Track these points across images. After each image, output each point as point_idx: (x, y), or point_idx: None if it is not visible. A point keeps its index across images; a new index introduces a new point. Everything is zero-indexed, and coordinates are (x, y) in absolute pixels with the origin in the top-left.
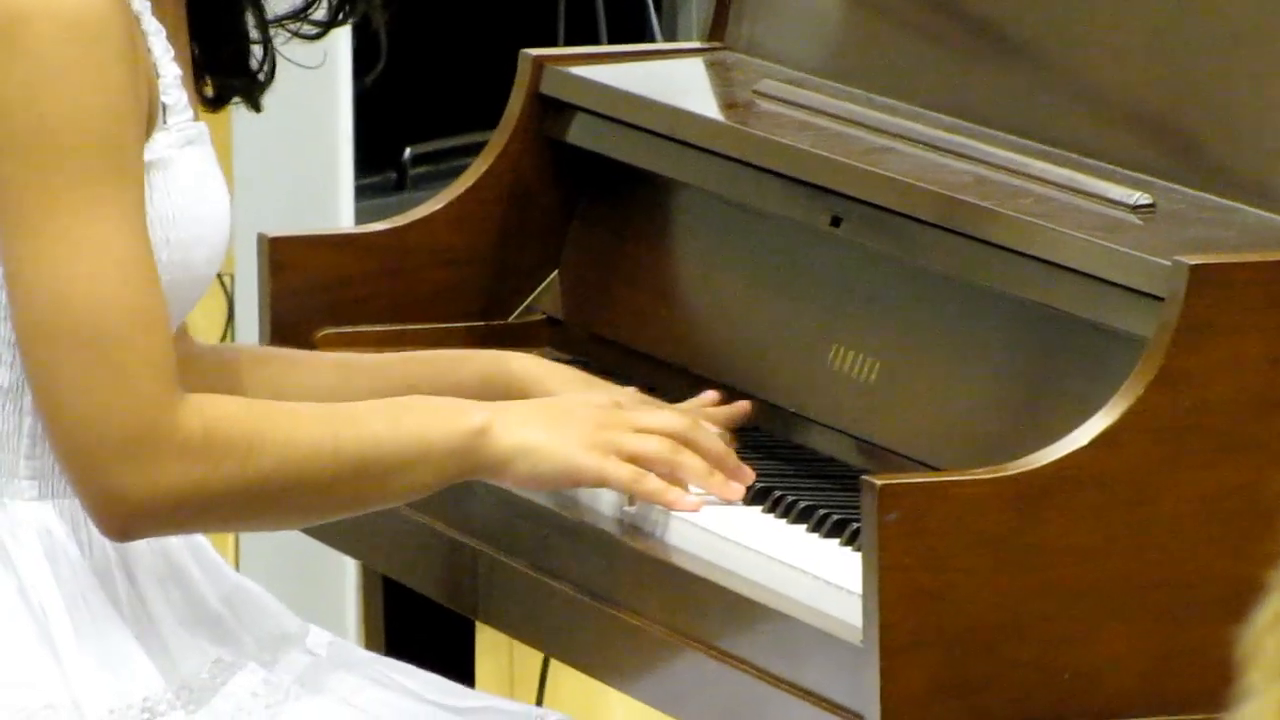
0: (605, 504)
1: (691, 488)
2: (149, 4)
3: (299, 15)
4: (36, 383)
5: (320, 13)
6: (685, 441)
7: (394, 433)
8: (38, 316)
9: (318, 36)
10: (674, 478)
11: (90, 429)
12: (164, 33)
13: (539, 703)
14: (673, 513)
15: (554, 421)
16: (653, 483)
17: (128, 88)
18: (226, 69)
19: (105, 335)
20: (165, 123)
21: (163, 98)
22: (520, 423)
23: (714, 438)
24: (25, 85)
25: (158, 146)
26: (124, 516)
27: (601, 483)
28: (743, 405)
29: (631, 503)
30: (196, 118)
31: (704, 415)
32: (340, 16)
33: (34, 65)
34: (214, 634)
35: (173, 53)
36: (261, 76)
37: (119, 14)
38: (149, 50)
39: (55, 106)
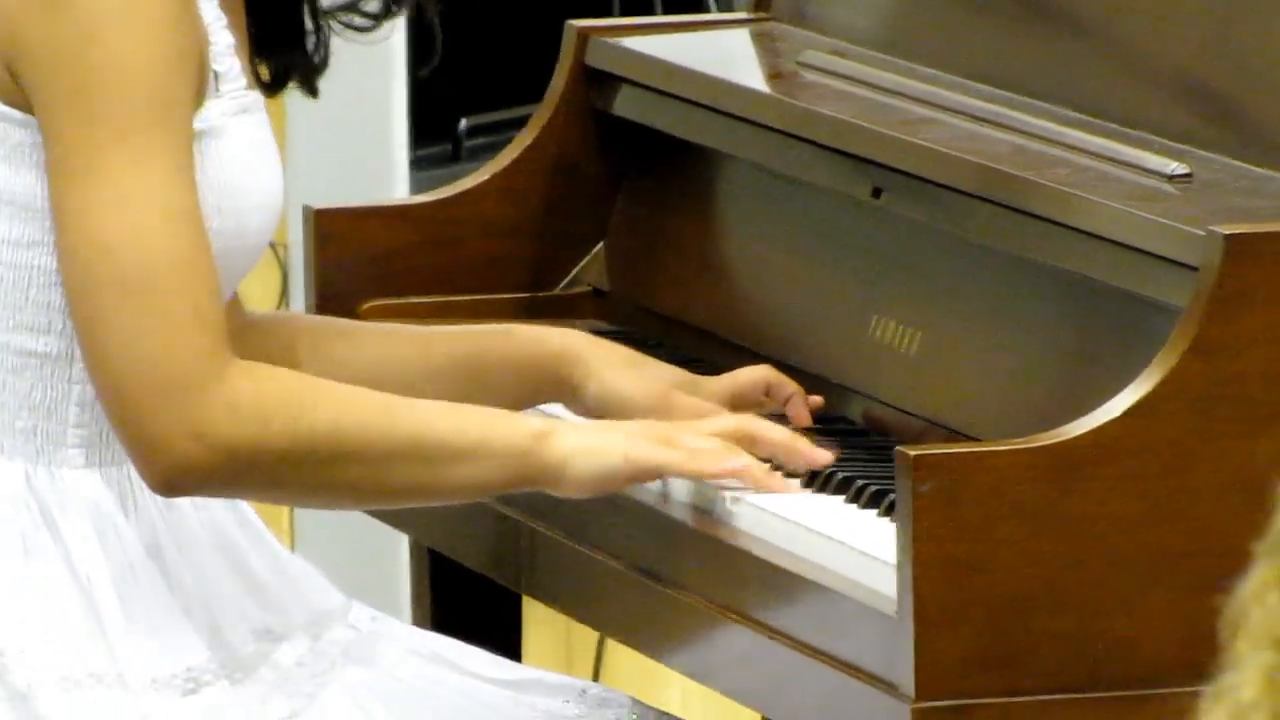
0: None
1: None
2: None
3: (351, 6)
4: (84, 333)
5: (372, 5)
6: (748, 434)
7: (453, 422)
8: (84, 267)
9: (369, 29)
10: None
11: (137, 376)
12: (215, 1)
13: (595, 677)
14: (711, 484)
15: (613, 428)
16: (708, 459)
17: (176, 44)
18: (281, 50)
19: (152, 284)
20: (218, 90)
21: (214, 65)
22: (580, 430)
23: (775, 426)
24: (74, 39)
25: (210, 114)
26: (168, 467)
27: (662, 471)
28: (814, 400)
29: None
30: (249, 87)
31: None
32: (392, 9)
33: (83, 19)
34: (260, 604)
35: (225, 20)
36: (316, 60)
37: None
38: (200, 16)
39: (103, 60)
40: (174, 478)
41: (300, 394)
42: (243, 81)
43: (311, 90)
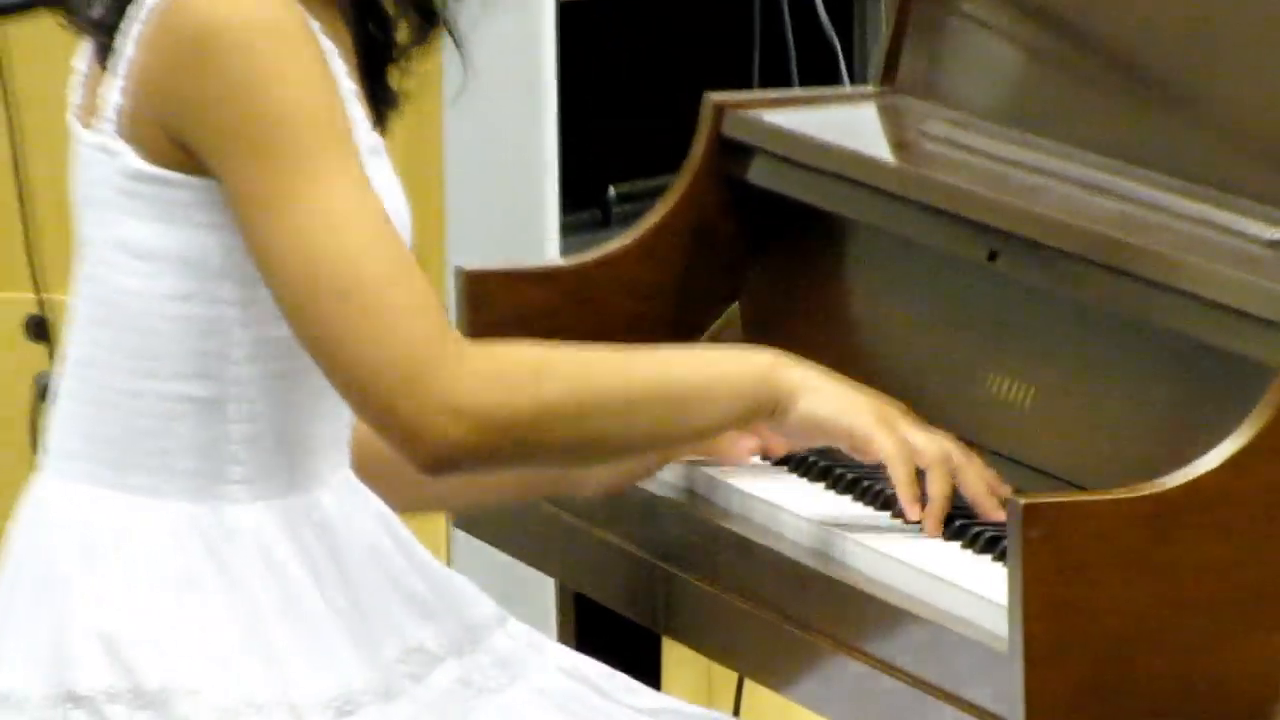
0: (785, 526)
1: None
2: (320, 26)
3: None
4: (317, 351)
5: (402, 35)
6: (956, 467)
7: (689, 364)
8: (302, 288)
9: (402, 63)
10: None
11: (381, 375)
12: (338, 52)
13: (736, 713)
14: (841, 532)
15: (843, 383)
16: (907, 470)
17: (331, 81)
18: (376, 93)
19: (364, 284)
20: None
21: (352, 112)
22: (807, 367)
23: (983, 471)
24: (240, 85)
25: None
26: (434, 447)
27: (868, 442)
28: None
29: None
30: (371, 130)
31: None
32: (423, 34)
33: (245, 66)
34: (417, 616)
35: (346, 69)
36: (388, 98)
37: (299, 17)
38: (331, 64)
39: (270, 97)
40: (442, 456)
41: (538, 359)
42: (367, 125)
43: (381, 128)
